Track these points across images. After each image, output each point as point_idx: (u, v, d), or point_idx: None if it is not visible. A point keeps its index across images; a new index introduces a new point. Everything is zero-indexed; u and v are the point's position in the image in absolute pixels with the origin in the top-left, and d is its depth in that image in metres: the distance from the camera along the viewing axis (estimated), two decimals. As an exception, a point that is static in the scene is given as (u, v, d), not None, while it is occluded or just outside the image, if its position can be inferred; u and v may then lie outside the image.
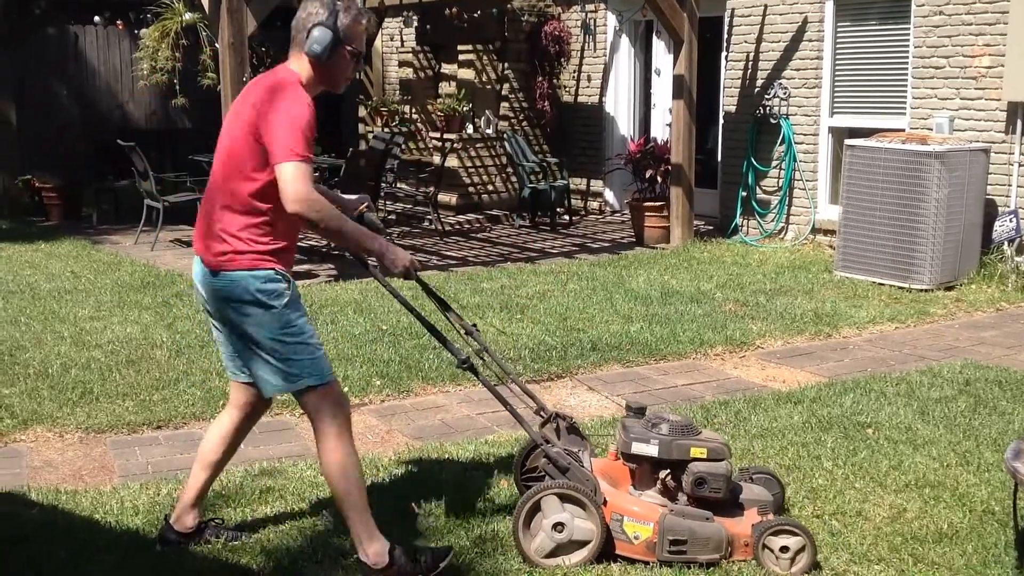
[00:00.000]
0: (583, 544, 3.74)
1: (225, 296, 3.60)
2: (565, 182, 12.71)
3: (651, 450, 3.86)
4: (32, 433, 5.27)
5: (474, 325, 4.18)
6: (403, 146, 12.62)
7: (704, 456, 3.84)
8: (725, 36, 11.49)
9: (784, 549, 3.72)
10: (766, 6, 10.96)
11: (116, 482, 4.68)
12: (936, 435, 5.14)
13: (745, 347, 6.97)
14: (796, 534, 3.74)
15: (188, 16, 10.57)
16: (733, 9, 11.32)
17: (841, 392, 5.85)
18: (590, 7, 13.24)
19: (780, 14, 10.84)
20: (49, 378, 6.09)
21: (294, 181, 3.38)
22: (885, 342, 7.14)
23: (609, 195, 13.47)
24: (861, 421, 5.35)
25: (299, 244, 3.93)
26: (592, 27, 13.25)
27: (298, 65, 3.67)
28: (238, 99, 3.69)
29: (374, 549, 3.65)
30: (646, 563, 3.76)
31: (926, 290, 8.53)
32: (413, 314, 4.02)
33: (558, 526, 3.72)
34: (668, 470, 3.88)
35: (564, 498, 3.76)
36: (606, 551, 3.77)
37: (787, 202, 10.92)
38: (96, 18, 14.43)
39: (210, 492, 4.29)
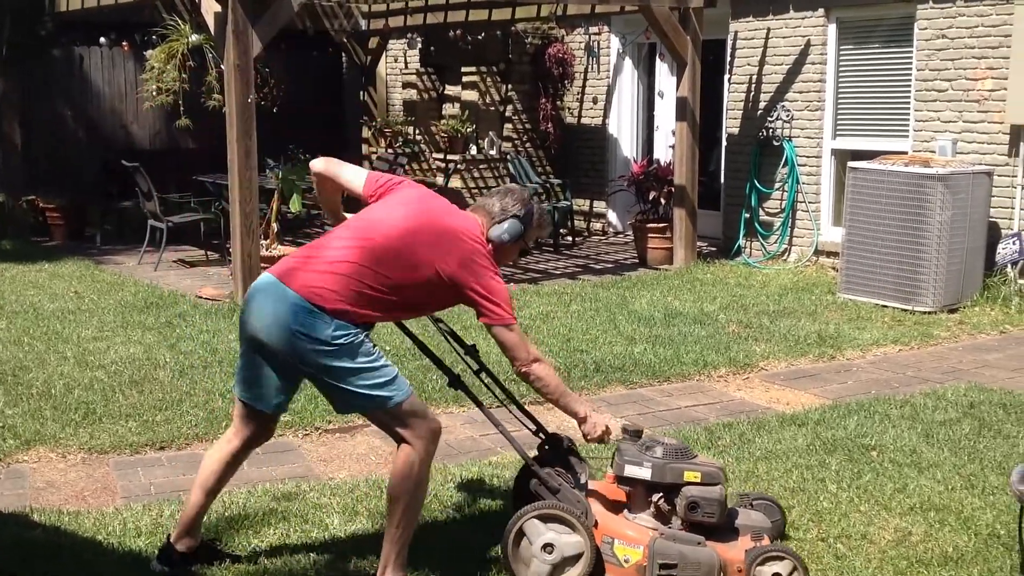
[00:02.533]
0: (576, 558, 3.72)
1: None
2: (568, 203, 12.74)
3: (644, 473, 3.83)
4: (35, 453, 5.27)
5: (473, 345, 4.17)
6: (406, 167, 12.66)
7: (698, 480, 3.81)
8: (728, 58, 11.54)
9: None
10: (769, 29, 11.00)
11: (119, 503, 4.67)
12: (941, 458, 5.13)
13: (749, 369, 6.97)
14: (788, 560, 3.70)
15: (194, 38, 10.59)
16: (736, 32, 11.37)
17: (845, 414, 5.84)
18: (594, 30, 13.29)
19: (783, 37, 10.88)
20: (52, 398, 6.08)
21: (519, 348, 3.72)
22: (889, 364, 7.13)
23: (612, 216, 13.49)
24: (865, 444, 5.34)
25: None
26: (596, 49, 13.30)
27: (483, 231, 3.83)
28: (408, 198, 3.80)
29: None
30: (636, 587, 3.73)
31: (929, 312, 8.52)
32: (405, 333, 4.02)
33: (547, 547, 3.69)
34: (661, 493, 3.84)
35: (545, 519, 3.73)
36: (597, 574, 3.74)
37: (790, 224, 10.93)
38: (102, 39, 14.49)
39: (214, 514, 4.29)
